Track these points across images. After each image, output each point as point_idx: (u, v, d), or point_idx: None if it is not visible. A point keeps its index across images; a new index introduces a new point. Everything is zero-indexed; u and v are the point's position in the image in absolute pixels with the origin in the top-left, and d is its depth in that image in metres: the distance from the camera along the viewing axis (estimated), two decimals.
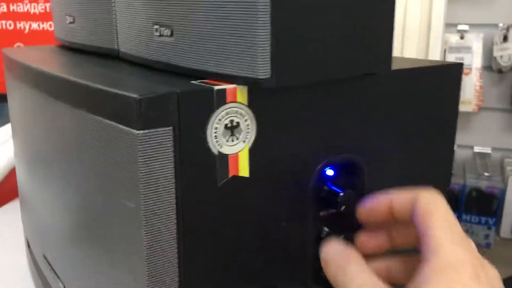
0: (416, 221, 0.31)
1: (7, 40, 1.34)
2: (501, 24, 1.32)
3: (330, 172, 0.36)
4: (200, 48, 0.30)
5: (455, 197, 1.34)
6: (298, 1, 0.28)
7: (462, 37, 1.34)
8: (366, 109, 0.35)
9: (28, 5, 1.29)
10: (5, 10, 1.31)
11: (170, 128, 0.27)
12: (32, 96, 0.42)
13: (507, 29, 1.31)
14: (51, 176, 0.42)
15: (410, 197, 0.32)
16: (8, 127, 0.85)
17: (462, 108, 1.36)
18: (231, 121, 0.29)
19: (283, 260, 0.34)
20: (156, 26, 0.34)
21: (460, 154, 1.46)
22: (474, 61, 1.34)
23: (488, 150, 1.43)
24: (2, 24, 1.33)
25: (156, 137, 0.27)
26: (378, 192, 0.33)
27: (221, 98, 0.28)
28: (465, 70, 1.34)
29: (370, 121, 0.35)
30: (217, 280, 0.31)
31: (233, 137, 0.29)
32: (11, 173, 0.76)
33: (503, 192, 1.31)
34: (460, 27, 1.36)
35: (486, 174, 1.34)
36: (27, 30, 1.31)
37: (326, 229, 0.36)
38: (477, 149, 1.44)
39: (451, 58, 1.33)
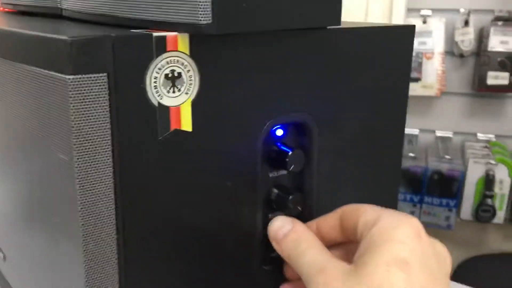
0: (347, 224, 0.32)
1: None
2: (462, 10, 1.34)
3: (279, 132, 0.35)
4: None
5: (417, 180, 1.36)
6: None
7: (424, 22, 1.36)
8: (316, 66, 0.34)
9: None
10: None
11: (105, 74, 0.26)
12: None
13: (468, 14, 1.33)
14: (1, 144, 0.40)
15: (334, 215, 0.33)
16: None
17: (424, 92, 1.37)
18: (172, 71, 0.28)
19: (230, 221, 0.33)
20: None
21: (422, 138, 1.48)
22: (436, 45, 1.36)
23: (449, 134, 1.45)
24: None
25: (89, 84, 0.25)
26: None
27: (160, 46, 0.27)
28: (427, 55, 1.36)
29: (321, 80, 0.35)
30: (156, 237, 0.30)
31: (174, 88, 0.28)
32: None
33: (464, 174, 1.33)
34: (423, 12, 1.37)
35: (447, 157, 1.36)
36: None
37: (275, 190, 0.35)
38: (439, 133, 1.46)
39: (415, 42, 1.34)
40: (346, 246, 0.34)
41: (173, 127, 0.29)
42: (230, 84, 0.30)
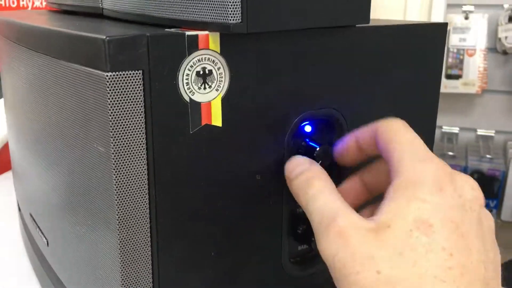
0: (381, 150, 0.31)
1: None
2: (506, 5, 1.31)
3: (308, 128, 0.36)
4: None
5: None
6: None
7: (466, 18, 1.33)
8: (346, 63, 0.35)
9: None
10: None
11: (140, 71, 0.27)
12: (17, 53, 0.42)
13: None
14: (38, 136, 0.42)
15: (372, 129, 0.32)
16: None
17: (465, 89, 1.35)
18: (203, 68, 0.29)
19: (258, 214, 0.34)
20: None
21: (462, 136, 1.45)
22: (478, 42, 1.33)
23: (491, 133, 1.42)
24: (4, 1, 1.33)
25: (125, 80, 0.27)
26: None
27: (193, 44, 0.28)
28: (469, 51, 1.33)
29: (349, 76, 0.35)
30: (187, 226, 0.31)
31: (205, 85, 0.29)
32: (7, 146, 0.77)
33: (505, 174, 1.30)
34: (464, 7, 1.35)
35: (488, 156, 1.33)
36: (30, 8, 1.31)
37: None
38: (480, 131, 1.43)
39: (455, 38, 1.32)
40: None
41: (204, 122, 0.30)
42: (259, 81, 0.31)
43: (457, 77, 1.33)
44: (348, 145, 0.33)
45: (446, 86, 1.33)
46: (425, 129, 0.41)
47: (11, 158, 0.57)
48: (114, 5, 0.38)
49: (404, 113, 0.39)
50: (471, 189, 0.28)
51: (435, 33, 0.39)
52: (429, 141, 0.42)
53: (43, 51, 0.34)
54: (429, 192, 0.27)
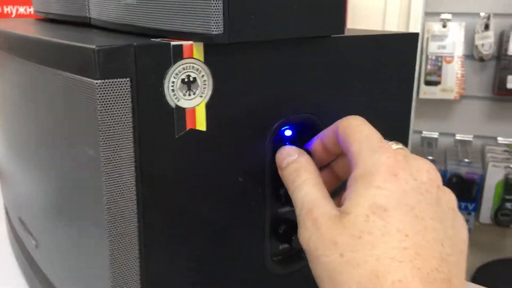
0: (341, 145, 0.33)
1: None
2: (482, 13, 1.35)
3: (288, 132, 0.37)
4: (160, 8, 0.32)
5: None
6: None
7: (444, 26, 1.37)
8: (322, 71, 0.37)
9: None
10: None
11: (128, 79, 0.29)
12: (7, 62, 0.43)
13: (488, 17, 1.33)
14: (26, 140, 0.43)
15: (334, 129, 0.34)
16: None
17: (443, 95, 1.38)
18: (188, 76, 0.31)
19: (241, 215, 0.36)
20: None
21: (442, 141, 1.48)
22: (456, 49, 1.36)
23: (469, 137, 1.46)
24: None
25: (114, 87, 0.28)
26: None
27: (177, 53, 0.30)
28: (447, 58, 1.37)
29: (326, 84, 0.37)
30: (173, 227, 0.33)
31: (190, 92, 0.31)
32: None
33: (483, 178, 1.34)
34: (442, 15, 1.38)
35: (466, 160, 1.36)
36: (14, 14, 1.32)
37: (284, 187, 0.38)
38: (458, 136, 1.46)
39: (434, 46, 1.35)
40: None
41: (188, 127, 0.32)
42: (241, 88, 0.33)
43: (436, 83, 1.37)
44: (314, 147, 0.36)
45: (425, 92, 1.36)
46: (399, 133, 0.43)
47: None
48: (101, 15, 0.40)
49: (378, 117, 0.41)
50: (426, 172, 0.30)
51: (407, 43, 0.41)
52: (404, 144, 0.44)
53: (34, 60, 0.36)
54: (383, 179, 0.29)
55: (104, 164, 0.29)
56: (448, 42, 1.36)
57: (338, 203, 0.32)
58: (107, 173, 0.30)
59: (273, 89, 0.35)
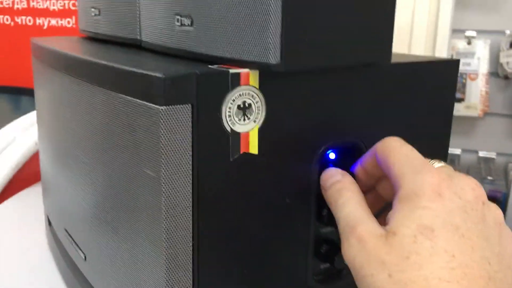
0: (382, 167, 0.34)
1: (26, 35, 1.38)
2: (508, 31, 1.35)
3: (332, 155, 0.39)
4: (218, 36, 0.34)
5: None
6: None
7: (469, 43, 1.37)
8: (368, 97, 0.38)
9: (48, 1, 1.33)
10: (25, 6, 1.35)
11: (189, 105, 0.30)
12: (59, 80, 0.45)
13: None
14: (75, 155, 0.45)
15: (372, 152, 0.35)
16: (27, 117, 0.89)
17: (467, 112, 1.38)
18: (244, 102, 0.32)
19: (286, 234, 0.37)
20: (177, 17, 0.37)
21: (464, 158, 1.48)
22: (480, 66, 1.36)
23: (492, 155, 1.45)
24: (21, 19, 1.37)
25: (176, 113, 0.30)
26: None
27: (235, 81, 0.32)
28: (471, 76, 1.37)
29: (371, 109, 0.38)
30: (225, 245, 0.34)
31: (244, 117, 0.33)
32: (31, 160, 0.80)
33: (506, 196, 1.33)
34: (467, 33, 1.39)
35: (489, 178, 1.36)
36: (45, 26, 1.35)
37: (327, 208, 0.39)
38: (481, 153, 1.46)
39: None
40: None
41: (242, 150, 0.33)
42: (291, 113, 0.35)
43: (460, 100, 1.37)
44: (356, 172, 0.37)
45: None
46: (438, 156, 0.44)
47: (41, 176, 0.59)
48: (154, 39, 0.41)
49: (419, 141, 0.42)
50: (471, 190, 0.31)
51: (449, 69, 0.42)
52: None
53: (92, 82, 0.37)
54: (428, 199, 0.30)
55: (164, 184, 0.31)
56: (472, 60, 1.36)
57: (382, 223, 0.32)
58: (166, 193, 0.31)
59: (320, 114, 0.36)
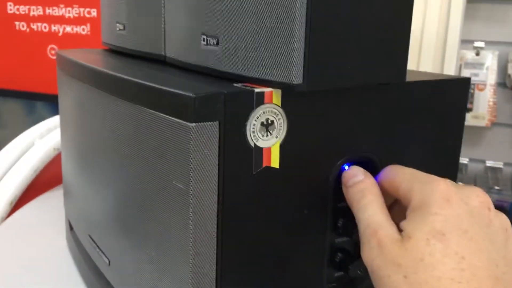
0: (390, 192, 0.37)
1: (41, 41, 1.41)
2: None
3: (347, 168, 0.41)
4: (243, 57, 0.36)
5: None
6: (329, 21, 0.33)
7: (477, 54, 1.38)
8: (383, 114, 0.40)
9: (63, 9, 1.36)
10: (41, 13, 1.38)
11: (217, 122, 0.32)
12: (86, 92, 0.48)
13: None
14: (99, 164, 0.47)
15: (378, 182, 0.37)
16: (45, 123, 0.91)
17: (475, 122, 1.39)
18: (267, 119, 0.34)
19: (304, 243, 0.39)
20: (203, 36, 0.39)
21: (472, 167, 1.49)
22: (488, 77, 1.38)
23: (500, 164, 1.46)
24: (37, 26, 1.40)
25: (205, 130, 0.32)
26: None
27: (259, 99, 0.34)
28: (479, 86, 1.38)
29: (386, 125, 0.40)
30: (247, 253, 0.36)
31: (267, 133, 0.35)
32: (50, 164, 0.82)
33: None
34: (476, 44, 1.40)
35: (496, 188, 1.37)
36: (61, 33, 1.38)
37: (342, 219, 0.41)
38: (489, 163, 1.47)
39: (466, 73, 1.37)
40: None
41: (264, 164, 0.35)
42: (311, 129, 0.37)
43: (468, 110, 1.38)
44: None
45: None
46: (448, 171, 0.46)
47: (63, 182, 0.62)
48: (178, 55, 0.44)
49: (430, 157, 0.44)
50: (476, 197, 0.33)
51: (460, 87, 0.44)
52: (452, 175, 0.47)
53: (122, 97, 0.39)
54: (438, 206, 0.32)
55: (192, 196, 0.33)
56: (480, 70, 1.38)
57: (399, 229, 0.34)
58: (194, 205, 0.33)
59: (338, 131, 0.38)
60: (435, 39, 1.20)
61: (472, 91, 1.39)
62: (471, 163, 1.48)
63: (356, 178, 0.37)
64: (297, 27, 0.32)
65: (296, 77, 0.33)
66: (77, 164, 0.54)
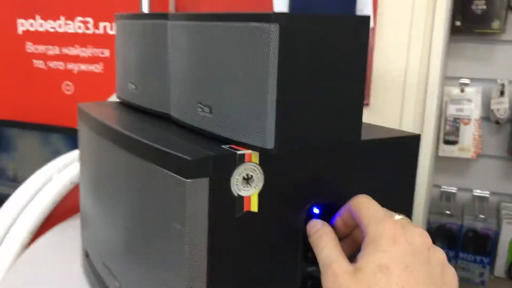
0: (355, 219, 0.45)
1: (57, 78, 1.52)
2: (499, 80, 1.46)
3: (316, 210, 0.50)
4: (230, 124, 0.46)
5: (453, 236, 1.46)
6: (292, 104, 0.43)
7: (462, 91, 1.48)
8: (343, 167, 0.49)
9: (78, 49, 1.48)
10: (58, 52, 1.50)
11: (207, 178, 0.42)
12: (99, 142, 0.58)
13: (503, 85, 1.44)
14: (111, 201, 0.57)
15: (347, 207, 0.47)
16: (62, 158, 1.01)
17: (461, 154, 1.49)
18: (247, 174, 0.44)
19: (279, 271, 0.48)
20: (199, 104, 0.49)
21: (460, 196, 1.58)
22: (473, 112, 1.47)
23: (486, 193, 1.55)
24: (54, 64, 1.52)
25: (198, 184, 0.42)
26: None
27: (241, 159, 0.43)
28: (464, 120, 1.48)
29: (345, 176, 0.50)
30: (232, 277, 0.45)
31: (248, 185, 0.44)
32: (66, 196, 0.92)
33: (497, 233, 1.42)
34: (461, 80, 1.50)
35: (481, 216, 1.45)
36: (76, 71, 1.49)
37: (311, 252, 0.50)
38: (476, 192, 1.55)
39: (452, 109, 1.47)
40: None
41: (245, 209, 0.45)
42: (283, 181, 0.46)
43: (454, 142, 1.48)
44: (336, 222, 0.48)
45: (444, 150, 1.47)
46: (403, 210, 0.55)
47: (81, 215, 0.71)
48: (180, 116, 0.54)
49: (385, 200, 0.53)
50: (419, 237, 0.42)
51: (411, 143, 0.54)
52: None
53: (133, 153, 0.49)
54: (386, 245, 0.41)
55: (187, 235, 0.42)
56: (465, 106, 1.47)
57: (355, 261, 0.43)
58: (189, 241, 0.43)
59: (304, 181, 0.48)
60: (417, 78, 1.30)
61: (457, 125, 1.48)
62: (459, 192, 1.57)
63: (315, 227, 0.47)
64: (269, 109, 0.42)
65: (269, 143, 0.43)
66: (92, 200, 0.64)
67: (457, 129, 1.48)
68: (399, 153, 0.53)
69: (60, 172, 0.96)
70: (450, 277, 0.43)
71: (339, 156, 0.49)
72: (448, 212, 1.49)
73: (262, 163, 0.44)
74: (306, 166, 0.47)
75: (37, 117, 1.52)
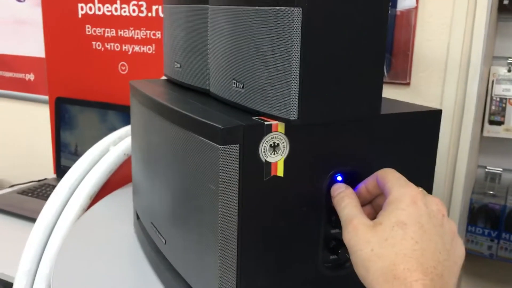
0: (380, 186, 0.50)
1: (114, 59, 1.62)
2: None
3: (339, 178, 0.55)
4: (259, 98, 0.51)
5: (496, 216, 1.46)
6: (315, 75, 0.48)
7: (509, 70, 1.46)
8: (364, 139, 0.54)
9: (133, 31, 1.56)
10: (114, 34, 1.59)
11: (238, 145, 0.48)
12: (148, 115, 0.64)
13: None
14: (157, 169, 0.64)
15: (374, 176, 0.51)
16: (117, 132, 1.10)
17: (507, 135, 1.47)
18: (274, 142, 0.49)
19: (304, 233, 0.54)
20: (233, 81, 0.55)
21: (505, 176, 1.56)
22: None
23: None
24: (110, 46, 1.61)
25: (229, 150, 0.48)
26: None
27: (268, 129, 0.49)
28: (511, 101, 1.46)
29: (366, 148, 0.54)
30: (259, 238, 0.51)
31: (274, 152, 0.50)
32: (121, 166, 1.01)
33: None
34: (510, 60, 1.48)
35: None
36: (130, 52, 1.58)
37: (334, 216, 0.55)
38: None
39: (499, 88, 1.46)
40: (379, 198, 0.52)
41: (272, 174, 0.50)
42: (307, 150, 0.51)
43: (499, 123, 1.47)
44: (359, 190, 0.53)
45: (489, 131, 1.47)
46: (422, 185, 0.59)
47: (133, 181, 0.79)
48: (217, 92, 0.59)
49: (406, 174, 0.57)
50: (436, 204, 0.47)
51: (431, 118, 0.57)
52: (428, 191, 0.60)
53: (176, 123, 0.56)
54: (406, 205, 0.46)
55: (221, 195, 0.49)
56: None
57: (374, 217, 0.48)
58: (222, 201, 0.49)
59: (327, 151, 0.53)
60: (459, 56, 1.29)
61: (504, 105, 1.46)
62: (504, 173, 1.56)
63: (339, 190, 0.52)
64: (293, 84, 0.47)
65: (293, 115, 0.48)
66: (142, 168, 0.71)
67: (503, 109, 1.47)
68: (419, 127, 0.57)
69: (116, 145, 1.05)
70: (458, 245, 0.47)
71: (359, 129, 0.54)
72: (491, 192, 1.48)
73: (287, 133, 0.50)
74: (328, 138, 0.52)
75: (95, 95, 1.63)
